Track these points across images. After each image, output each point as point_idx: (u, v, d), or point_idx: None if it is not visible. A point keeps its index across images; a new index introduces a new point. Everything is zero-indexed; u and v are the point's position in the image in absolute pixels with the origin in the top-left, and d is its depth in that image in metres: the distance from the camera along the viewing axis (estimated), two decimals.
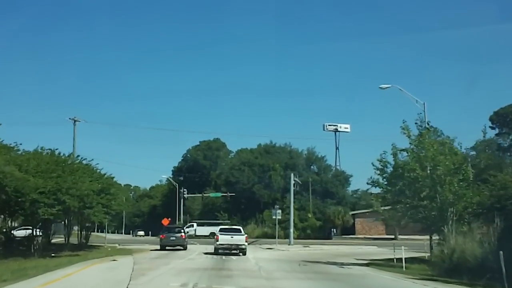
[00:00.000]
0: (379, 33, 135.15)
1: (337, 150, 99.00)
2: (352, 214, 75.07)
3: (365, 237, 68.36)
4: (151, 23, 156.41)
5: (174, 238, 38.59)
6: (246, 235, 34.98)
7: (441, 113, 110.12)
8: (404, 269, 23.37)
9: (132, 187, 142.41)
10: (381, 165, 26.10)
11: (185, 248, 38.57)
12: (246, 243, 33.83)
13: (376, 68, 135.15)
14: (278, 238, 47.57)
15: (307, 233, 69.11)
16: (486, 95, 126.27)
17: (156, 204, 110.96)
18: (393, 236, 65.73)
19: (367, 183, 26.51)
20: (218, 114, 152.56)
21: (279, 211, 46.80)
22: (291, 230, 48.33)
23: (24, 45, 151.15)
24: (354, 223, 74.98)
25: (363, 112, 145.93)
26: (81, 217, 35.67)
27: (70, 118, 67.37)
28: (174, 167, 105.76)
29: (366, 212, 76.34)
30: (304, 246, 44.48)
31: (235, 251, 33.27)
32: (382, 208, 27.29)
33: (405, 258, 25.60)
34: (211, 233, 73.86)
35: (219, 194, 79.96)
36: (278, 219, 48.72)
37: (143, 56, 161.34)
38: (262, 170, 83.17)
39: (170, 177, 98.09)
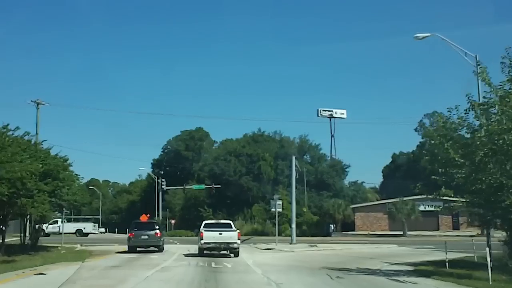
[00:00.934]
0: (378, 34, 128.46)
1: (333, 137, 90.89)
2: (352, 208, 67.23)
3: (368, 234, 60.39)
4: (147, 22, 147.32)
5: (146, 237, 30.10)
6: (238, 230, 27.61)
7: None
8: (490, 282, 15.34)
9: (111, 183, 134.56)
10: (449, 129, 17.47)
11: (160, 250, 30.56)
12: (239, 241, 26.84)
13: (374, 68, 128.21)
14: (272, 235, 39.69)
15: (302, 230, 60.40)
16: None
17: (134, 199, 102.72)
18: (400, 232, 58.35)
19: (424, 155, 18.08)
20: (205, 109, 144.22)
21: (279, 202, 38.15)
22: (293, 226, 39.61)
23: (20, 44, 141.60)
24: (354, 218, 66.99)
25: (360, 97, 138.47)
26: (20, 209, 26.81)
27: (32, 101, 58.71)
28: (153, 159, 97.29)
29: (368, 205, 69.06)
30: (310, 246, 35.74)
31: (224, 252, 26.49)
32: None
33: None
34: (77, 230, 65.86)
35: (203, 186, 71.60)
36: (271, 214, 41.19)
37: (136, 54, 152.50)
38: (250, 160, 74.58)
39: (149, 171, 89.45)
